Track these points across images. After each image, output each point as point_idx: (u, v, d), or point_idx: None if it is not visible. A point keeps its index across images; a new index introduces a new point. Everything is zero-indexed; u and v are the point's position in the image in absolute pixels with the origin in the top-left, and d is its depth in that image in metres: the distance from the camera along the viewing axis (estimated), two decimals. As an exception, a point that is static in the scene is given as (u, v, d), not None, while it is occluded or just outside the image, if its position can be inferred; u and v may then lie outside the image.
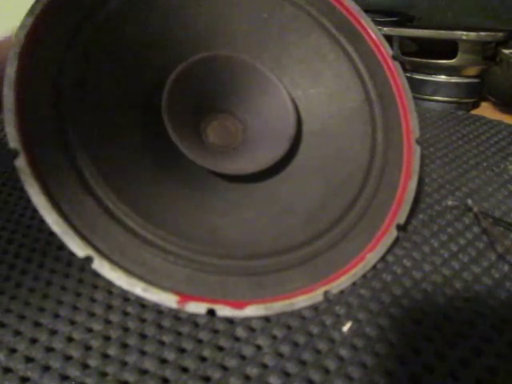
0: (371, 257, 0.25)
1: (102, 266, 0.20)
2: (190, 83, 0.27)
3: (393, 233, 0.26)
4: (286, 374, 0.19)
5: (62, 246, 0.27)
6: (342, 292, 0.24)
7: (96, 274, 0.24)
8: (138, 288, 0.20)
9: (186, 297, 0.21)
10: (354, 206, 0.26)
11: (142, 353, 0.20)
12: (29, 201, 0.20)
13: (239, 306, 0.22)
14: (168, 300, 0.20)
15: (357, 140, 0.28)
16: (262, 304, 0.22)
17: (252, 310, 0.22)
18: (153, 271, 0.21)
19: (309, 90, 0.29)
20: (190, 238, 0.23)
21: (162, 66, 0.26)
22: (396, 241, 0.26)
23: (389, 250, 0.26)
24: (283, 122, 0.28)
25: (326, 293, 0.23)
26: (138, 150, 0.24)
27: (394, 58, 0.29)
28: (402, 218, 0.26)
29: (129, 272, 0.20)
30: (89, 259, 0.20)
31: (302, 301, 0.23)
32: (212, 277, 0.22)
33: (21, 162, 0.20)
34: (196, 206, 0.25)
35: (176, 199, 0.24)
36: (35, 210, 0.22)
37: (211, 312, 0.21)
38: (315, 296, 0.23)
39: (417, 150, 0.28)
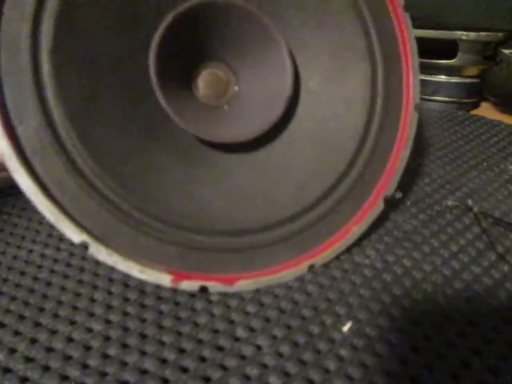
0: (356, 230, 0.25)
1: (98, 252, 0.20)
2: (181, 34, 0.24)
3: (380, 206, 0.25)
4: (286, 374, 0.19)
5: (60, 247, 0.27)
6: (342, 292, 0.24)
7: (95, 274, 0.25)
8: (134, 270, 0.21)
9: (179, 276, 0.22)
10: (346, 175, 0.25)
11: (142, 353, 0.20)
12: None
13: (230, 281, 0.23)
14: (162, 279, 0.21)
15: (356, 104, 0.26)
16: (251, 279, 0.23)
17: (242, 285, 0.23)
18: (146, 251, 0.21)
19: (309, 41, 0.26)
20: (181, 214, 0.22)
21: (151, 15, 0.23)
22: (383, 214, 0.26)
23: (375, 224, 0.26)
24: (279, 78, 0.26)
25: (310, 266, 0.24)
26: (126, 117, 0.23)
27: (405, 8, 0.27)
28: (390, 190, 0.26)
29: (124, 255, 0.21)
30: (85, 245, 0.20)
31: (287, 274, 0.24)
32: (203, 253, 0.22)
33: (4, 147, 0.19)
34: (186, 178, 0.24)
35: (165, 171, 0.23)
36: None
37: (204, 289, 0.22)
38: (300, 270, 0.24)
39: (414, 116, 0.27)
